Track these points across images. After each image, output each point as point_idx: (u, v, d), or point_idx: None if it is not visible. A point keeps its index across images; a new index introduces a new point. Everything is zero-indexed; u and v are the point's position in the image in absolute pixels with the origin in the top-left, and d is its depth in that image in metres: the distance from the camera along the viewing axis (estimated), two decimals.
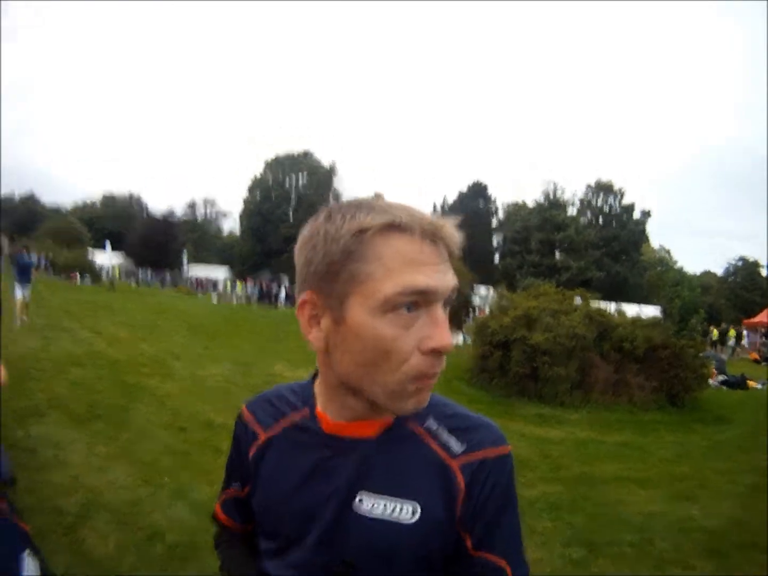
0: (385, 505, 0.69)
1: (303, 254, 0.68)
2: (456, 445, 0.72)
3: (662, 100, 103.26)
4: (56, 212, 54.53)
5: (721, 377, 11.66)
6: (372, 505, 0.69)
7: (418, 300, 0.62)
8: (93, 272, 29.13)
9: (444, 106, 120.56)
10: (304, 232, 0.69)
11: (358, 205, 0.65)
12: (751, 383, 11.72)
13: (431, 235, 0.63)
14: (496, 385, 8.23)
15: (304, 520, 0.72)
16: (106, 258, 36.62)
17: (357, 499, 0.70)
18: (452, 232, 0.65)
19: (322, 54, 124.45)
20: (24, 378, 5.83)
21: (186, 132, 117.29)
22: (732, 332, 23.03)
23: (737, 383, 11.47)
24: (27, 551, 0.54)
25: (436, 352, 0.63)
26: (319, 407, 0.76)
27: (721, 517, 3.97)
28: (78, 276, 27.12)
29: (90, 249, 34.23)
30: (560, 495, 4.23)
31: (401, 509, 0.69)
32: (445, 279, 0.64)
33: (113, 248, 38.45)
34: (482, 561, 0.70)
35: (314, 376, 0.81)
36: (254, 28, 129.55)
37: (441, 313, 0.64)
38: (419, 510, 0.69)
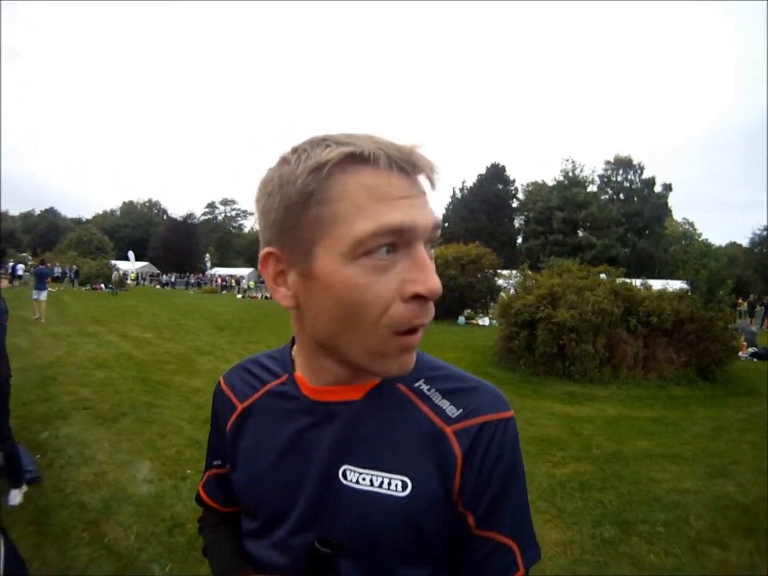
0: (372, 478, 0.61)
1: (260, 205, 0.60)
2: (451, 409, 0.63)
3: (683, 68, 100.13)
4: (77, 223, 55.99)
5: (751, 349, 11.37)
6: (358, 478, 0.62)
7: (395, 240, 0.53)
8: (117, 281, 29.96)
9: (459, 88, 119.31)
10: (260, 181, 0.60)
11: (314, 141, 0.57)
12: None
13: (400, 163, 0.54)
14: (523, 365, 8.16)
15: (285, 496, 0.65)
16: (130, 266, 37.47)
17: (341, 472, 0.62)
18: (425, 157, 0.55)
19: (335, 48, 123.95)
20: (49, 383, 5.97)
21: (202, 133, 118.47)
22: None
23: None
24: None
25: (421, 298, 0.54)
26: (298, 372, 0.69)
27: (759, 494, 3.82)
28: (102, 286, 27.83)
29: (113, 261, 35.11)
30: (591, 474, 4.14)
31: (390, 483, 0.61)
32: (423, 214, 0.54)
33: (137, 257, 39.32)
34: (487, 541, 0.62)
35: (293, 340, 0.73)
36: (270, 30, 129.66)
37: (424, 254, 0.54)
38: (410, 483, 0.61)
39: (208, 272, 44.40)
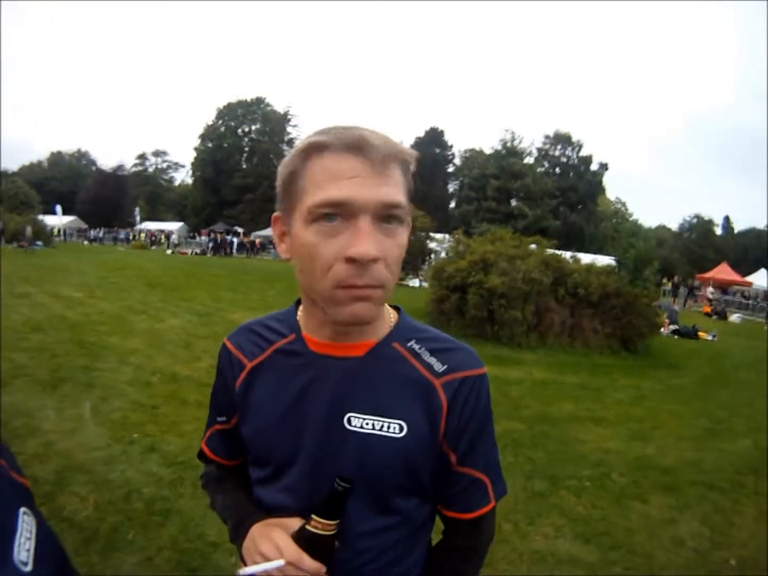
0: (374, 422, 0.72)
1: (277, 179, 0.73)
2: (438, 365, 0.75)
3: (627, 56, 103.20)
4: (3, 176, 51.03)
5: (672, 327, 12.19)
6: (362, 423, 0.72)
7: (339, 211, 0.64)
8: (45, 237, 27.74)
9: (402, 49, 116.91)
10: None
11: (315, 132, 0.69)
12: (702, 334, 12.29)
13: (352, 148, 0.65)
14: (453, 327, 8.40)
15: (295, 441, 0.75)
16: (57, 221, 34.83)
17: (347, 419, 0.73)
18: (376, 142, 0.65)
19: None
20: None
21: (132, 81, 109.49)
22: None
23: (688, 333, 12.03)
24: (23, 509, 0.51)
25: (355, 261, 0.64)
26: (304, 331, 0.78)
27: (676, 457, 4.24)
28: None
29: (40, 215, 32.35)
30: (521, 432, 4.42)
31: (389, 426, 0.72)
32: (367, 191, 0.64)
33: (65, 211, 36.61)
34: (466, 476, 0.77)
35: (296, 303, 0.84)
36: None
37: (364, 224, 0.64)
38: (406, 427, 0.73)
39: (138, 227, 42.07)
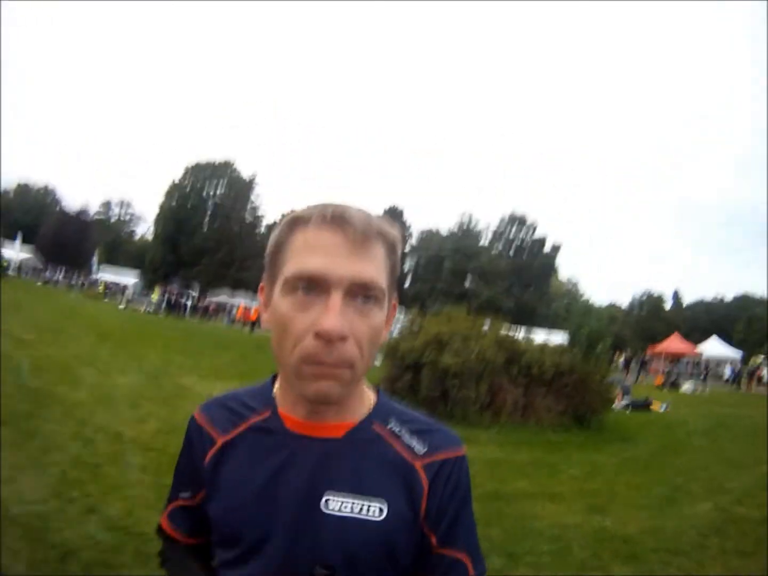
0: (353, 504, 0.70)
1: (266, 249, 0.76)
2: (419, 447, 0.75)
3: (578, 135, 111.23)
4: None
5: (625, 400, 12.45)
6: (340, 504, 0.70)
7: (313, 284, 0.65)
8: (0, 267, 26.52)
9: (364, 129, 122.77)
10: None
11: (303, 207, 0.72)
12: (654, 407, 12.62)
13: (331, 222, 0.66)
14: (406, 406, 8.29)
15: (268, 523, 0.71)
16: (14, 252, 33.53)
17: (324, 500, 0.70)
18: (356, 218, 0.66)
19: (250, 61, 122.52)
20: None
21: (106, 126, 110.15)
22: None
23: (641, 406, 12.34)
24: None
25: (321, 337, 0.63)
26: (281, 408, 0.77)
27: (636, 527, 4.25)
28: None
29: None
30: (476, 510, 4.31)
31: (369, 508, 0.70)
32: (340, 266, 0.65)
33: (23, 242, 35.42)
34: (446, 557, 0.74)
35: (273, 378, 0.82)
36: (181, 28, 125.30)
37: (335, 300, 0.64)
38: (386, 508, 0.71)
39: (94, 275, 40.85)
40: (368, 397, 0.80)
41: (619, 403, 11.91)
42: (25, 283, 29.58)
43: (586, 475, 5.99)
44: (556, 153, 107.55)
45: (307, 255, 0.66)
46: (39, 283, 33.07)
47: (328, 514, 0.70)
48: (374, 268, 0.67)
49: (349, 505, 0.70)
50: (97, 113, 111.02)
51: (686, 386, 20.41)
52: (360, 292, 0.66)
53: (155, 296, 31.30)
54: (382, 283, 0.68)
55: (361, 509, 0.70)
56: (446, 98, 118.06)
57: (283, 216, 0.74)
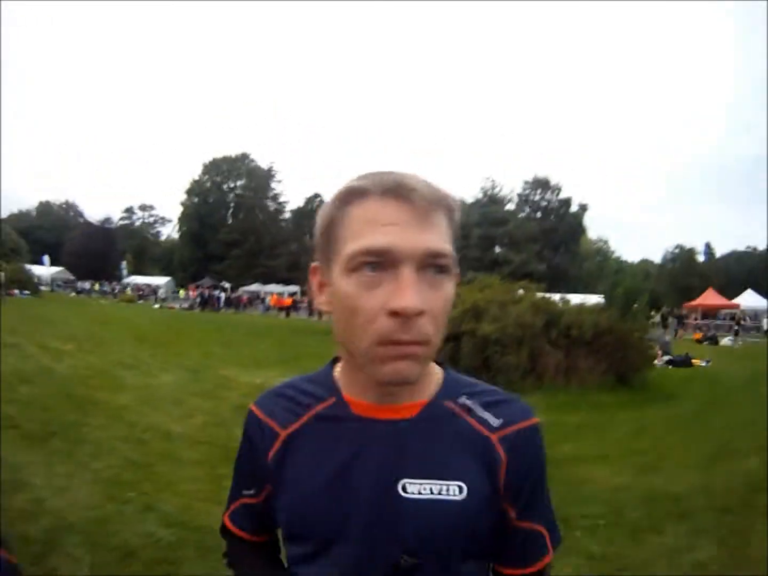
0: (432, 487, 0.67)
1: (315, 227, 0.70)
2: (493, 420, 0.72)
3: (599, 97, 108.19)
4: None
5: (666, 357, 12.33)
6: (419, 488, 0.67)
7: (380, 260, 0.61)
8: (32, 286, 27.55)
9: (383, 99, 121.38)
10: None
11: (354, 178, 0.66)
12: (695, 361, 12.44)
13: (393, 192, 0.62)
14: None
15: (344, 515, 0.68)
16: (45, 271, 34.84)
17: (402, 483, 0.67)
18: (419, 187, 0.62)
19: (257, 56, 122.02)
20: None
21: (120, 135, 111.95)
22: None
23: (682, 362, 12.15)
24: None
25: (397, 315, 0.59)
26: (345, 393, 0.73)
27: (686, 485, 4.21)
28: (17, 292, 25.58)
29: (27, 264, 32.40)
30: None
31: (448, 489, 0.67)
32: (409, 239, 0.61)
33: (52, 262, 36.70)
34: (525, 530, 0.72)
35: (332, 362, 0.79)
36: (191, 27, 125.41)
37: (407, 275, 0.60)
38: (466, 487, 0.68)
39: (125, 280, 41.98)
40: (436, 373, 0.76)
41: (660, 361, 11.74)
42: (59, 296, 30.66)
43: (632, 434, 5.92)
44: (572, 114, 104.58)
45: (372, 229, 0.61)
46: (72, 295, 34.20)
47: (408, 498, 0.67)
48: (442, 238, 0.63)
49: (429, 487, 0.67)
50: (106, 122, 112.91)
51: (725, 340, 20.14)
52: (431, 264, 0.62)
53: (181, 295, 31.99)
54: (451, 251, 0.65)
55: (440, 490, 0.67)
56: (458, 65, 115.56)
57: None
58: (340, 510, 0.68)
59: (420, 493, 0.67)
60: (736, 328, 24.04)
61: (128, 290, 37.47)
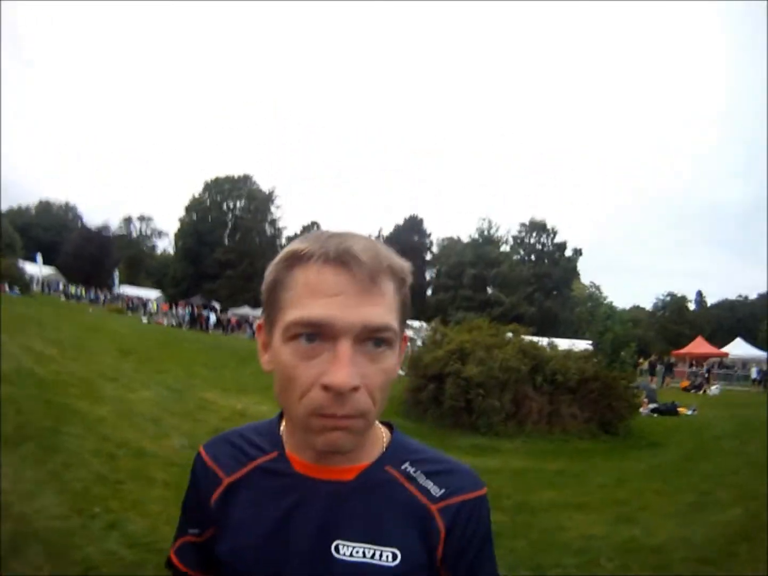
0: (365, 550, 0.67)
1: (263, 284, 0.69)
2: (435, 490, 0.71)
3: (596, 140, 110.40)
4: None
5: (652, 405, 12.18)
6: (352, 551, 0.67)
7: (316, 332, 0.60)
8: (23, 285, 27.26)
9: (383, 138, 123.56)
10: None
11: (300, 239, 0.66)
12: (681, 410, 12.33)
13: (335, 261, 0.60)
14: (430, 417, 8.24)
15: (278, 568, 0.68)
16: (36, 270, 34.48)
17: (335, 545, 0.67)
18: (364, 256, 0.60)
19: (263, 81, 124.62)
20: None
21: (126, 143, 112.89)
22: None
23: (668, 410, 12.03)
24: None
25: (331, 390, 0.59)
26: (288, 449, 0.73)
27: (665, 536, 4.15)
28: (6, 287, 25.34)
29: (20, 260, 31.99)
30: (501, 523, 4.22)
31: (381, 554, 0.67)
32: (348, 312, 0.59)
33: (46, 261, 36.42)
34: None
35: (281, 415, 0.78)
36: (200, 39, 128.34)
37: (344, 350, 0.59)
38: (400, 555, 0.67)
39: (116, 290, 41.72)
40: (381, 437, 0.76)
41: (645, 409, 11.68)
42: (49, 299, 30.36)
43: (613, 483, 5.86)
44: (568, 157, 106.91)
45: (310, 299, 0.60)
46: (62, 299, 33.89)
47: (340, 560, 0.66)
48: (385, 309, 0.61)
49: (361, 550, 0.67)
50: (113, 129, 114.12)
51: (713, 389, 20.14)
52: (371, 337, 0.61)
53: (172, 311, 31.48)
54: (394, 323, 0.63)
55: (374, 555, 0.67)
56: (458, 104, 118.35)
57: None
58: (276, 564, 0.68)
59: (352, 556, 0.66)
60: (705, 372, 24.00)
61: (121, 301, 37.17)
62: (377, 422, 0.76)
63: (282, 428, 0.76)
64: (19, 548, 2.73)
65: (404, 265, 0.66)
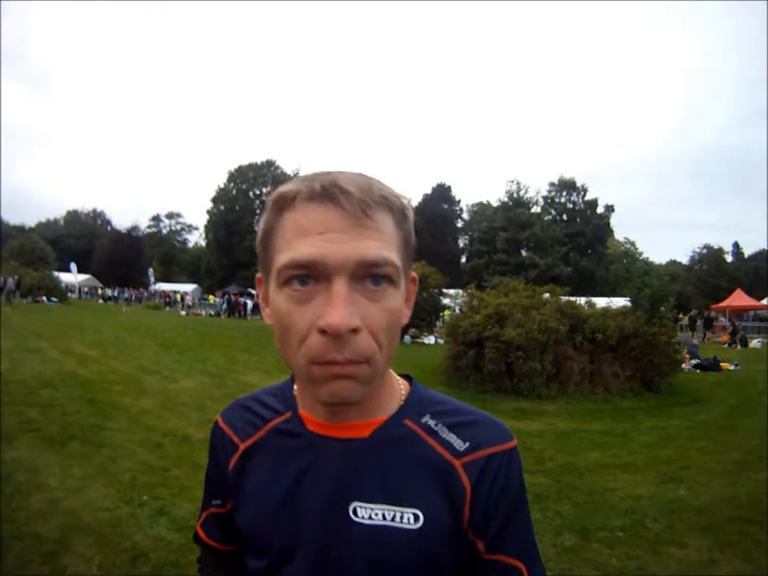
0: (384, 513, 0.63)
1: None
2: (458, 443, 0.65)
3: (629, 92, 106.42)
4: (20, 231, 53.12)
5: (694, 361, 11.96)
6: (370, 513, 0.63)
7: (307, 273, 0.55)
8: (59, 293, 28.39)
9: (407, 107, 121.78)
10: None
11: (288, 182, 0.61)
12: (724, 365, 12.03)
13: (321, 197, 0.55)
14: (471, 383, 8.26)
15: (294, 533, 0.65)
16: (72, 278, 35.87)
17: (352, 509, 0.63)
18: (351, 188, 0.55)
19: (282, 60, 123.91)
20: None
21: (147, 144, 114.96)
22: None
23: (710, 366, 11.77)
24: None
25: (329, 333, 0.54)
26: (301, 408, 0.69)
27: (710, 495, 4.06)
28: (45, 299, 26.42)
29: (54, 272, 33.42)
30: (546, 486, 4.23)
31: (402, 516, 0.62)
32: (339, 248, 0.54)
33: (80, 269, 37.84)
34: (497, 564, 0.65)
35: (293, 377, 0.73)
36: (214, 38, 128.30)
37: (338, 289, 0.54)
38: (422, 516, 0.62)
39: (152, 287, 42.92)
40: (399, 389, 0.70)
41: (687, 365, 11.42)
42: (86, 304, 31.51)
43: (658, 442, 5.74)
44: (593, 113, 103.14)
45: (298, 239, 0.55)
46: (99, 302, 35.12)
47: (358, 523, 0.62)
48: (382, 243, 0.56)
49: (381, 513, 0.62)
50: (133, 132, 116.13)
51: (754, 342, 19.46)
52: (368, 274, 0.56)
53: (211, 300, 32.35)
54: (394, 257, 0.57)
55: (393, 517, 0.62)
56: (482, 70, 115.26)
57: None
58: (293, 529, 0.65)
59: (371, 518, 0.62)
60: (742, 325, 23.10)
61: (157, 299, 38.28)
62: (395, 375, 0.72)
63: (295, 388, 0.73)
64: (68, 542, 2.82)
65: (402, 198, 0.61)
